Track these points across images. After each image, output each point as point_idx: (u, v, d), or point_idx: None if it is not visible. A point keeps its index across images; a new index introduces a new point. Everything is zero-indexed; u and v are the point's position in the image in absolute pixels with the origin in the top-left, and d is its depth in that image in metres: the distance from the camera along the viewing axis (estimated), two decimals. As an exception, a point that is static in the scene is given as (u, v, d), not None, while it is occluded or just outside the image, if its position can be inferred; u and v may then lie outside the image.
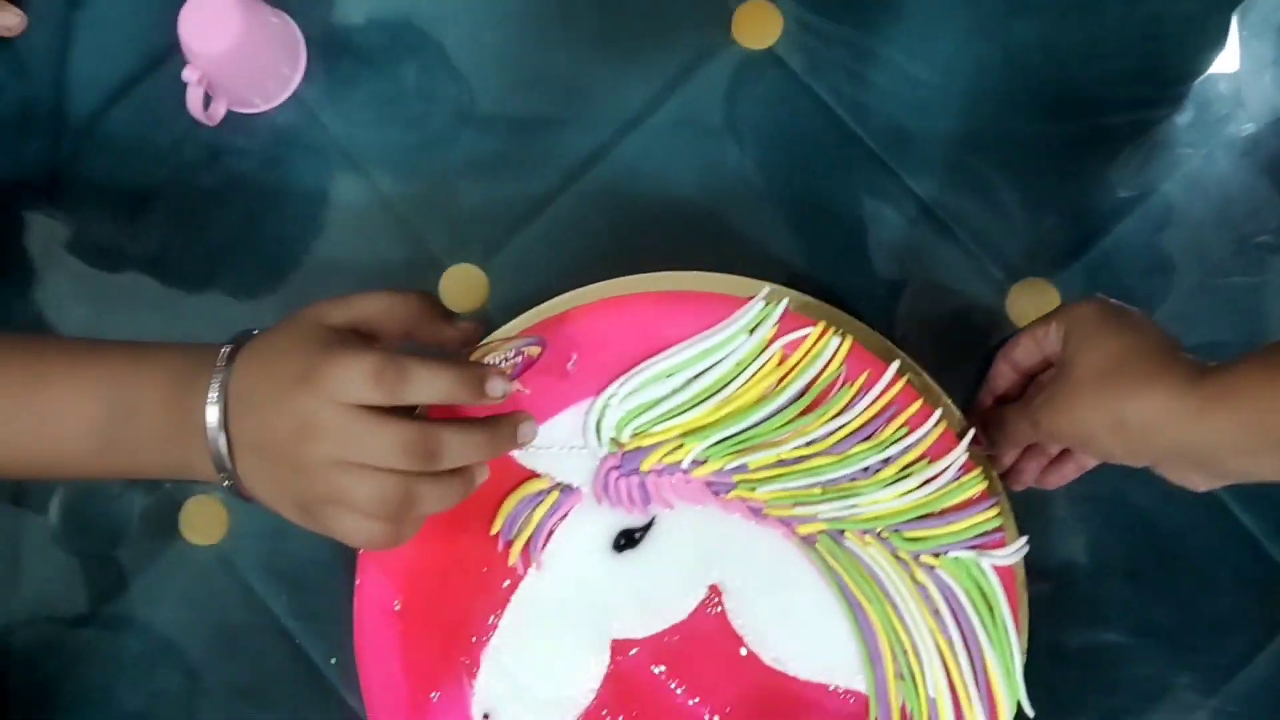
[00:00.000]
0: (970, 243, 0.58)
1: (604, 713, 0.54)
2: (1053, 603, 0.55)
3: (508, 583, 0.54)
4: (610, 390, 0.54)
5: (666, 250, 0.55)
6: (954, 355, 0.56)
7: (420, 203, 0.59)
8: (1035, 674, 0.53)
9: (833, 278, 0.57)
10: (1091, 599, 0.56)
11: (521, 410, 0.47)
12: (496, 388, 0.44)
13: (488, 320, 0.57)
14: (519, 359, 0.49)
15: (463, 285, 0.59)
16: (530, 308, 0.53)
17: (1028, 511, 0.54)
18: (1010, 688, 0.51)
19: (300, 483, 0.43)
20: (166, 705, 0.58)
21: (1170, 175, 0.57)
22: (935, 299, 0.57)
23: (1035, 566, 0.54)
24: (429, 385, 0.42)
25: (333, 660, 0.57)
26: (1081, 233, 0.57)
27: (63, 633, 0.58)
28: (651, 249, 0.55)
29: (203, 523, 0.59)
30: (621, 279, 0.54)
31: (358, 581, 0.54)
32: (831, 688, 0.53)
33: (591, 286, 0.54)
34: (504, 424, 0.45)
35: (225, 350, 0.44)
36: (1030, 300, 0.57)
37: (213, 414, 0.43)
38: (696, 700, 0.54)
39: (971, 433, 0.52)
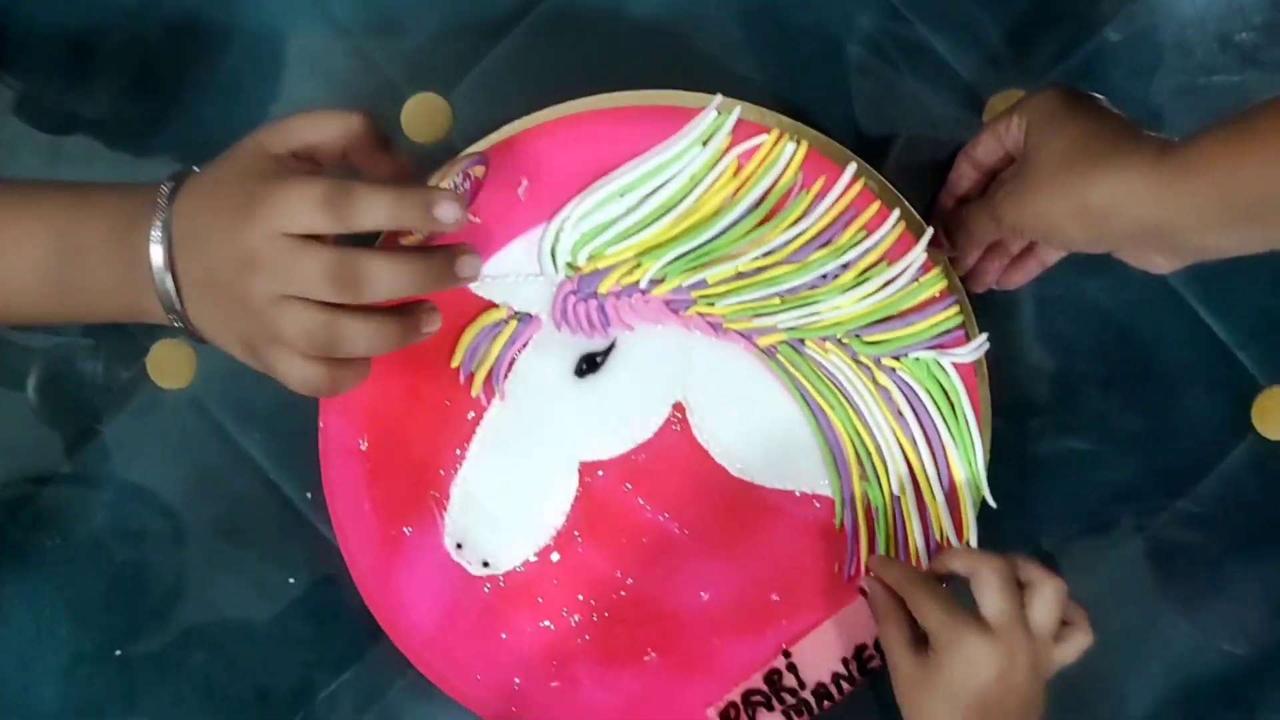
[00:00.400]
0: (946, 55, 0.56)
1: (575, 534, 0.54)
2: (1025, 413, 0.56)
3: (472, 414, 0.54)
4: (563, 214, 0.53)
5: (634, 75, 0.53)
6: (929, 170, 0.55)
7: (377, 30, 0.56)
8: (1005, 482, 0.54)
9: (804, 95, 0.56)
10: (1064, 408, 0.57)
11: (463, 243, 0.45)
12: (447, 211, 0.42)
13: (452, 150, 0.55)
14: (467, 184, 0.47)
15: (425, 115, 0.56)
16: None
17: (1000, 322, 0.55)
18: (973, 480, 0.53)
19: (245, 320, 0.41)
20: (149, 548, 0.57)
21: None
22: (908, 113, 0.56)
23: (1007, 377, 0.55)
24: (375, 208, 0.40)
25: (308, 495, 0.56)
26: (1063, 38, 0.56)
27: (39, 490, 0.57)
28: (618, 73, 0.54)
29: (171, 367, 0.57)
30: (570, 102, 0.53)
31: (320, 423, 0.54)
32: (798, 493, 0.54)
33: (540, 112, 0.53)
34: (439, 254, 0.43)
35: (166, 188, 0.42)
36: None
37: (157, 254, 0.41)
38: (666, 516, 0.55)
39: (930, 231, 0.52)
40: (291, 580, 0.56)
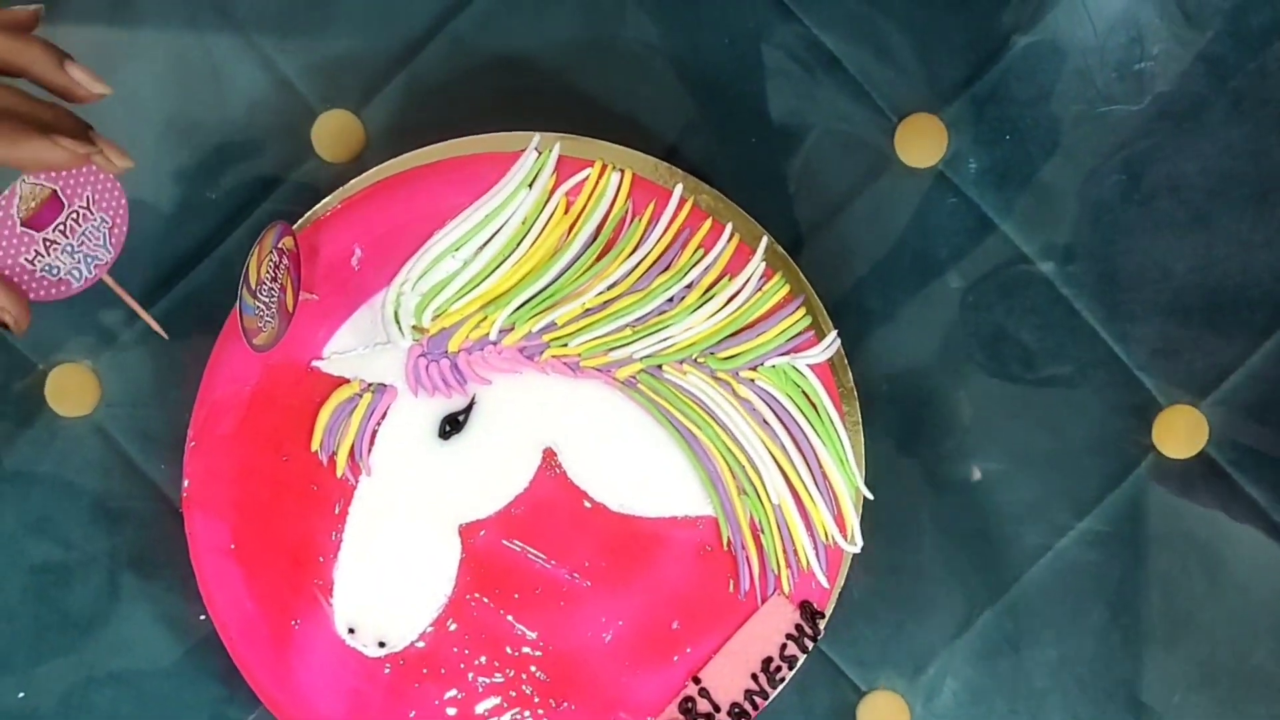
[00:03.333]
0: (859, 78, 0.57)
1: (468, 597, 0.54)
2: (932, 436, 0.57)
3: (341, 496, 0.53)
4: (400, 277, 0.52)
5: (541, 98, 0.54)
6: (840, 194, 0.56)
7: (287, 45, 0.56)
8: (914, 505, 0.56)
9: (721, 119, 0.56)
10: (973, 430, 0.57)
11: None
12: (80, 73, 0.38)
13: (364, 167, 0.54)
14: (285, 260, 0.47)
15: (337, 133, 0.56)
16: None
17: (902, 347, 0.56)
18: (846, 477, 0.53)
19: None
20: (51, 582, 0.56)
21: (1055, 4, 0.57)
22: (822, 141, 0.57)
23: (912, 399, 0.56)
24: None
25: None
26: (968, 66, 0.57)
27: None
28: (526, 99, 0.54)
29: (72, 393, 0.56)
30: (387, 163, 0.52)
31: (187, 529, 0.52)
32: (681, 518, 0.54)
33: (359, 177, 0.52)
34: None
35: None
36: (917, 135, 0.56)
37: None
38: (554, 563, 0.54)
39: (766, 239, 0.52)
40: (202, 617, 0.55)
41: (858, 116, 0.57)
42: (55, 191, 0.40)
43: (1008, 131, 0.57)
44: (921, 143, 0.56)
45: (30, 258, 0.40)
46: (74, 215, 0.41)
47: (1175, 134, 0.57)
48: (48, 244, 0.40)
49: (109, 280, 0.44)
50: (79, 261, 0.42)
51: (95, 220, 0.41)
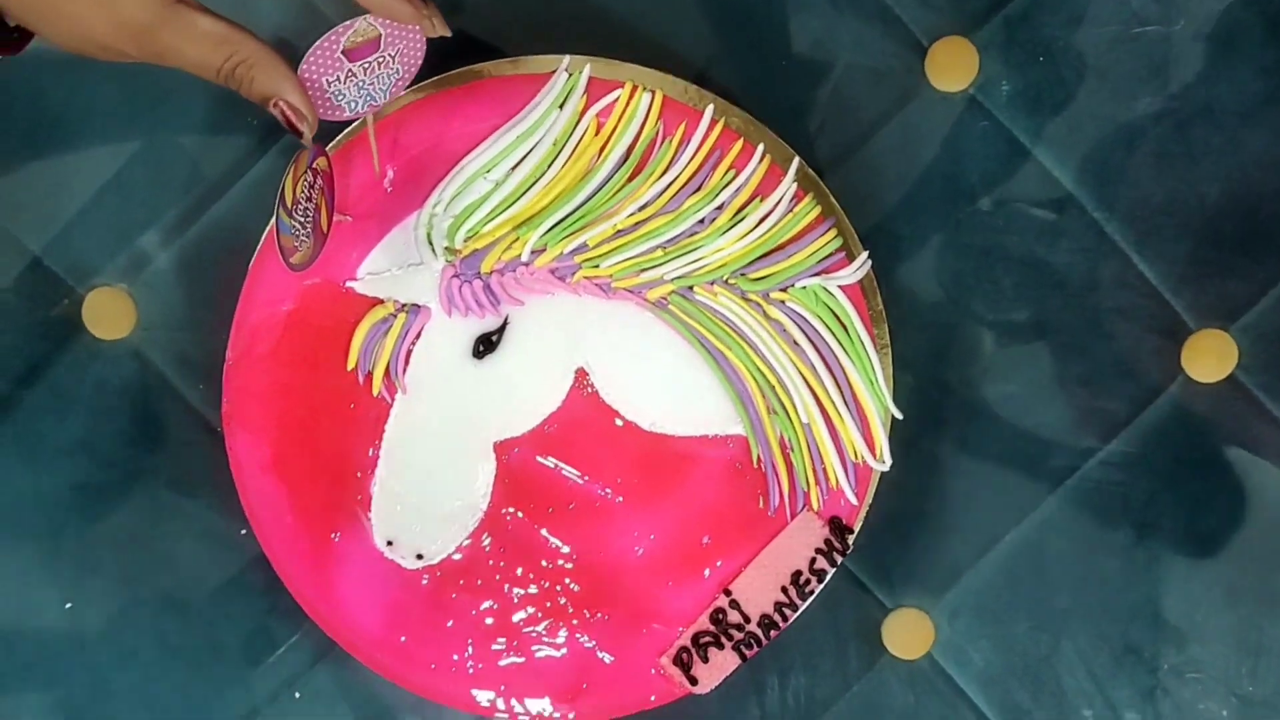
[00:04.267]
0: (889, 1, 0.56)
1: (503, 512, 0.55)
2: (959, 359, 0.57)
3: (377, 414, 0.54)
4: (433, 199, 0.52)
5: (577, 26, 0.54)
6: (871, 120, 0.56)
7: None
8: (942, 427, 0.56)
9: (750, 45, 0.56)
10: (998, 354, 0.57)
11: None
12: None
13: None
14: (319, 180, 0.47)
15: None
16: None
17: (932, 271, 0.56)
18: (876, 397, 0.54)
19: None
20: (94, 501, 0.57)
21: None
22: (852, 68, 0.56)
23: (940, 325, 0.56)
24: None
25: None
26: None
27: None
28: (562, 23, 0.55)
29: (108, 317, 0.57)
30: (422, 84, 0.52)
31: (228, 447, 0.54)
32: (711, 436, 0.55)
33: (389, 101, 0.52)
34: None
35: None
36: (948, 58, 0.56)
37: None
38: (588, 479, 0.55)
39: (797, 161, 0.52)
40: (243, 532, 0.56)
41: (888, 41, 0.56)
42: (381, 36, 0.46)
43: (1040, 54, 0.56)
44: (953, 66, 0.56)
45: (331, 79, 0.46)
46: (380, 59, 0.47)
47: (1210, 56, 0.56)
48: (349, 74, 0.46)
49: (370, 118, 0.50)
50: (359, 96, 0.47)
51: (392, 69, 0.47)
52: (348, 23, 0.46)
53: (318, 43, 0.46)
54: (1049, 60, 0.56)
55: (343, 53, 0.46)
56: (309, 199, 0.49)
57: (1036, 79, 0.56)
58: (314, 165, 0.48)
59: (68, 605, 0.57)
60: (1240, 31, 0.56)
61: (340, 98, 0.47)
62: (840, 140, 0.57)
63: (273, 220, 0.48)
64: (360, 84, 0.47)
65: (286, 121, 0.45)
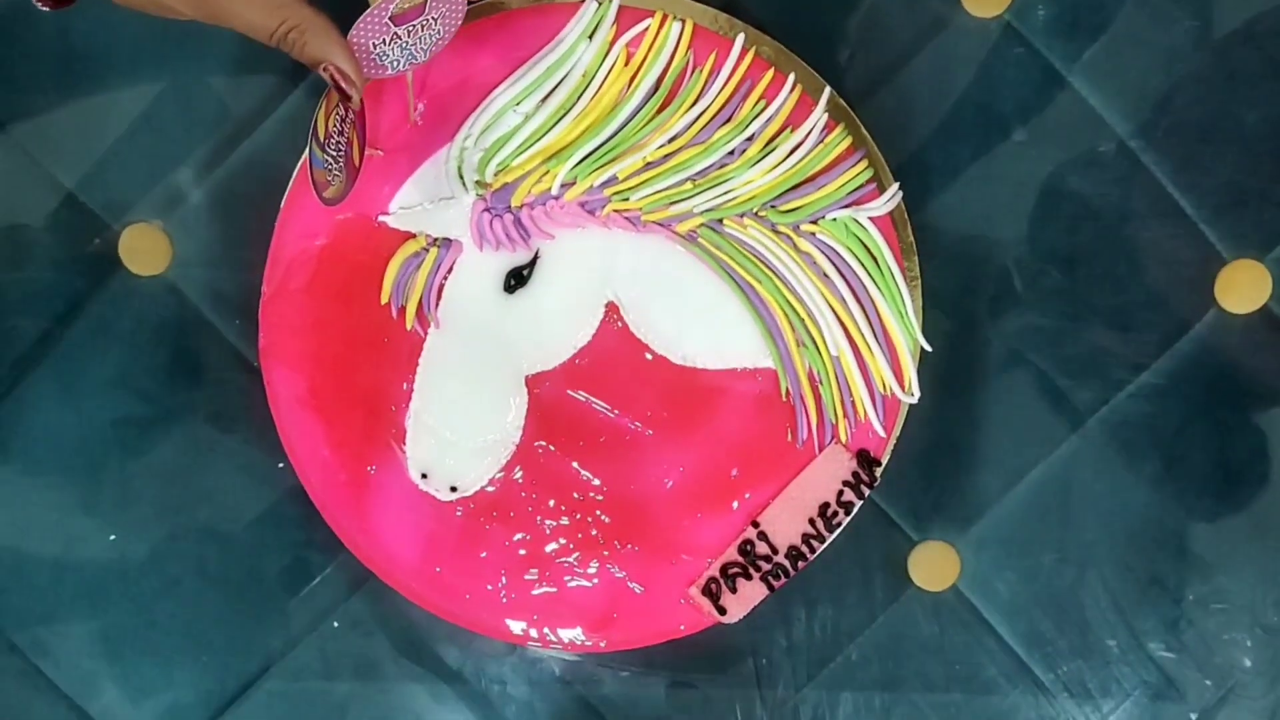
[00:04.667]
0: None
1: (535, 445, 0.56)
2: (991, 290, 0.57)
3: (411, 348, 0.55)
4: (463, 132, 0.52)
5: None
6: (904, 47, 0.55)
7: None
8: (971, 360, 0.56)
9: None
10: (1029, 285, 0.57)
11: None
12: None
13: None
14: (351, 115, 0.48)
15: None
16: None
17: (968, 203, 0.56)
18: (905, 329, 0.54)
19: None
20: (133, 434, 0.59)
21: None
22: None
23: (973, 256, 0.56)
24: None
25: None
26: None
27: (19, 378, 0.58)
28: None
29: (144, 253, 0.58)
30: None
31: (265, 381, 0.54)
32: (740, 369, 0.55)
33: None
34: None
35: None
36: None
37: None
38: (618, 412, 0.56)
39: (828, 90, 0.52)
40: (280, 465, 0.57)
41: (924, -37, 0.55)
42: (426, 1, 0.48)
43: (1072, -22, 0.55)
44: (988, -12, 0.55)
45: (377, 43, 0.48)
46: (424, 22, 0.48)
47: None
48: (394, 37, 0.48)
49: (409, 75, 0.51)
50: (402, 56, 0.49)
51: (434, 30, 0.49)
52: None
53: (368, 10, 0.47)
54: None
55: (390, 18, 0.48)
56: (341, 133, 0.49)
57: (1073, 3, 0.55)
58: (341, 102, 0.48)
59: (111, 538, 0.59)
60: (1282, -46, 0.55)
61: (385, 58, 0.49)
62: (872, 69, 0.56)
63: (305, 154, 0.48)
64: (404, 45, 0.48)
65: (335, 85, 0.46)
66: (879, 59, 0.56)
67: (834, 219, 0.53)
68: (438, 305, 0.54)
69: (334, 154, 0.49)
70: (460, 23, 0.49)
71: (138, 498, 0.59)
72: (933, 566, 0.58)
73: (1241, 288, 0.57)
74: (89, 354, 0.58)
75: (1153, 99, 0.56)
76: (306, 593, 0.59)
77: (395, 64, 0.49)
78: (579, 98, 0.52)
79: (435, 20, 0.48)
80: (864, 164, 0.53)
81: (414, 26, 0.48)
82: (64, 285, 0.58)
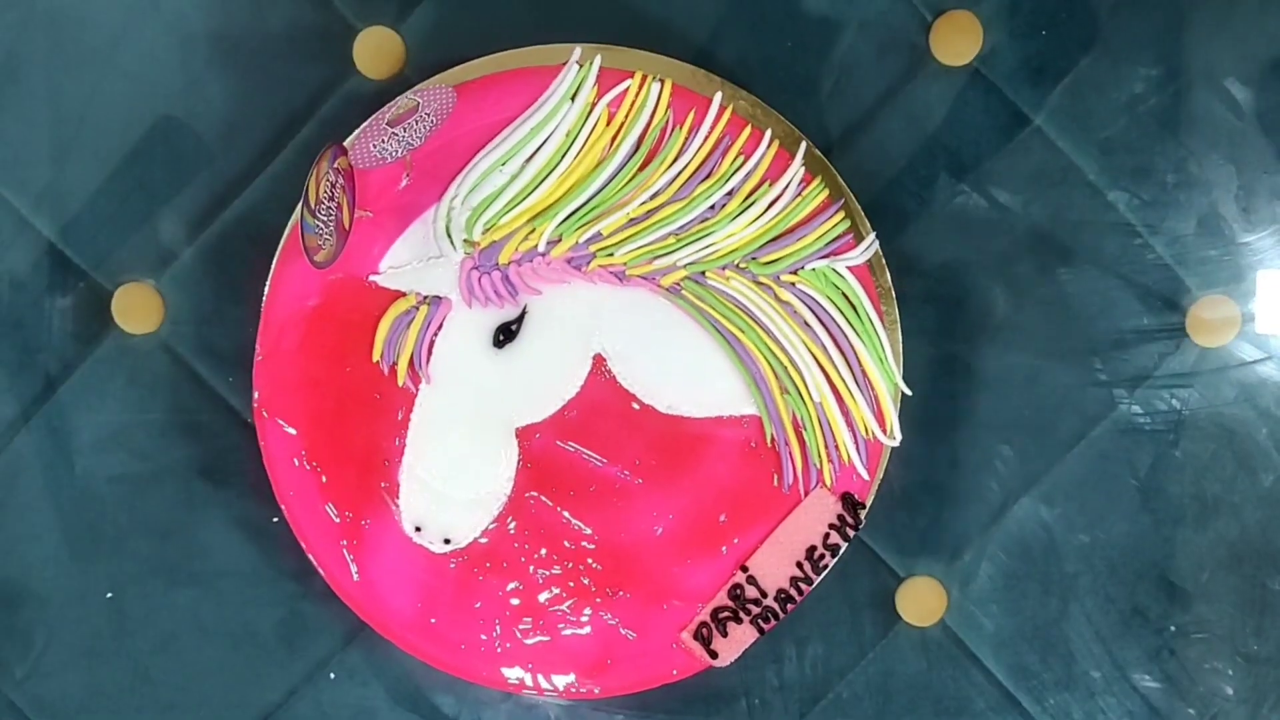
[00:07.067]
0: None
1: (526, 496, 0.57)
2: (965, 331, 0.58)
3: (403, 404, 0.56)
4: (450, 193, 0.54)
5: (580, 6, 0.56)
6: (876, 93, 0.57)
7: None
8: (950, 399, 0.57)
9: (754, 20, 0.57)
10: (1005, 323, 0.58)
11: None
12: None
13: (406, 85, 0.56)
14: (341, 179, 0.49)
15: (377, 50, 0.57)
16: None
17: (944, 247, 0.57)
18: (885, 374, 0.55)
19: None
20: (129, 491, 0.59)
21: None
22: (857, 44, 0.57)
23: (954, 297, 0.58)
24: None
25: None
26: None
27: (11, 439, 0.59)
28: (565, 3, 0.56)
29: (137, 311, 0.58)
30: (433, 79, 0.53)
31: (260, 439, 0.55)
32: (726, 417, 0.56)
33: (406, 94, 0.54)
34: None
35: None
36: (953, 31, 0.56)
37: None
38: (607, 461, 0.57)
39: (805, 144, 0.53)
40: (275, 520, 0.57)
41: (893, 14, 0.57)
42: (419, 104, 0.52)
43: (1044, 26, 0.57)
44: (957, 39, 0.56)
45: (376, 144, 0.52)
46: (418, 118, 0.52)
47: (1213, 25, 0.57)
48: (390, 134, 0.52)
49: (408, 158, 0.54)
50: (399, 147, 0.52)
51: (428, 122, 0.53)
52: (391, 103, 0.53)
53: (365, 124, 0.52)
54: (1053, 31, 0.57)
55: (386, 123, 0.52)
56: (331, 198, 0.50)
57: (1039, 50, 0.57)
58: (335, 165, 0.49)
59: (109, 595, 0.59)
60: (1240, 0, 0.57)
61: (384, 152, 0.52)
62: (845, 116, 0.57)
63: (295, 217, 0.49)
64: (401, 139, 0.52)
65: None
66: (852, 105, 0.57)
67: (813, 269, 0.54)
68: (429, 361, 0.55)
69: (324, 219, 0.50)
70: (452, 109, 0.52)
71: (134, 554, 0.59)
72: (920, 602, 0.59)
73: (1213, 322, 0.58)
74: (83, 411, 0.59)
75: (1118, 141, 0.57)
76: (303, 645, 0.59)
77: (393, 154, 0.52)
78: (563, 157, 0.53)
79: (428, 115, 0.52)
80: (841, 215, 0.54)
81: (410, 124, 0.51)
82: (58, 346, 0.59)
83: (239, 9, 0.57)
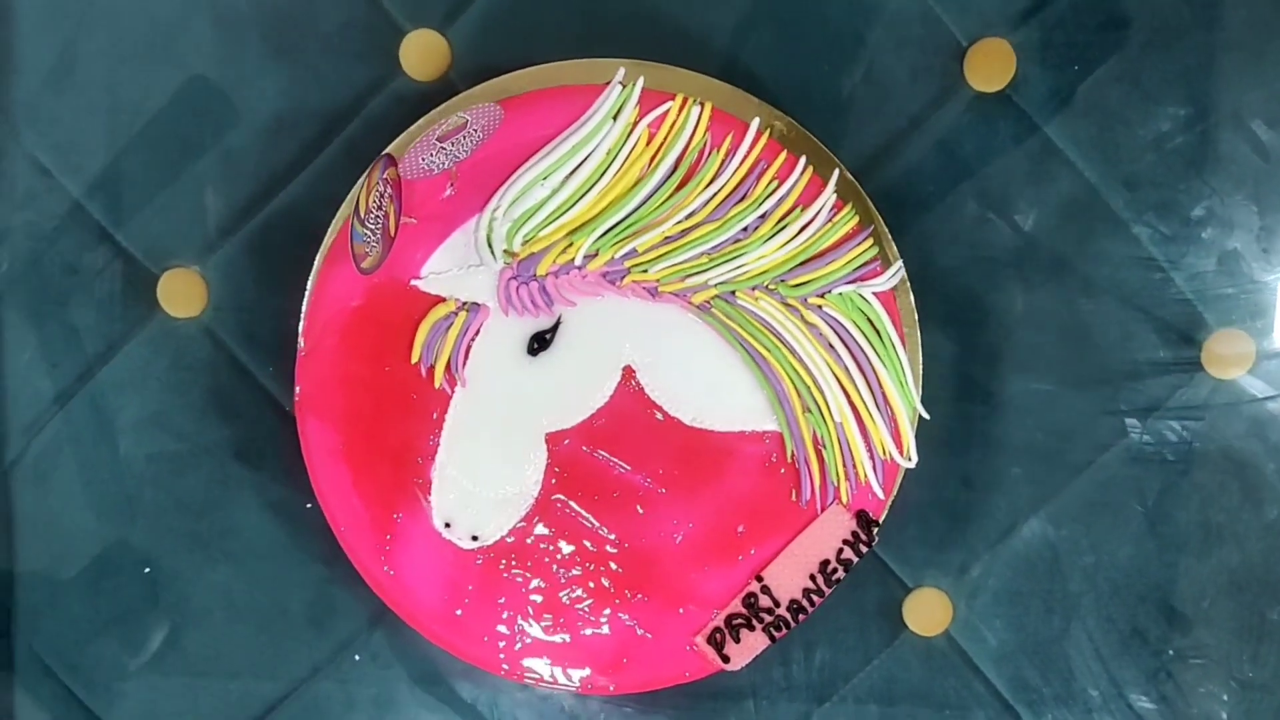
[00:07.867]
0: (930, 0, 0.57)
1: (553, 498, 0.59)
2: (984, 355, 0.59)
3: (438, 405, 0.57)
4: (492, 204, 0.55)
5: (616, 19, 0.57)
6: (907, 118, 0.58)
7: None
8: (965, 420, 0.59)
9: (791, 42, 0.58)
10: (1024, 350, 0.59)
11: None
12: None
13: (451, 90, 0.57)
14: (389, 190, 0.51)
15: (423, 52, 0.58)
16: (497, 75, 0.55)
17: (967, 277, 0.58)
18: (905, 398, 0.56)
19: None
20: (167, 470, 0.61)
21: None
22: (891, 68, 0.58)
23: (975, 323, 0.59)
24: None
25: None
26: None
27: (58, 411, 0.61)
28: (612, 15, 0.57)
29: (182, 296, 0.60)
30: (478, 88, 0.55)
31: (300, 432, 0.57)
32: (749, 432, 0.58)
33: (448, 103, 0.55)
34: None
35: None
36: (986, 59, 0.57)
37: None
38: (632, 470, 0.59)
39: (838, 171, 0.55)
40: (309, 505, 0.59)
41: (928, 40, 0.58)
42: (467, 121, 0.54)
43: (1076, 61, 0.58)
44: (990, 67, 0.57)
45: (426, 159, 0.54)
46: (465, 134, 0.54)
47: (1243, 68, 0.58)
48: (439, 148, 0.54)
49: (454, 170, 0.55)
50: (446, 159, 0.54)
51: (475, 136, 0.54)
52: (441, 121, 0.54)
53: (418, 141, 0.54)
54: (1084, 65, 0.58)
55: (436, 139, 0.54)
56: (379, 208, 0.52)
57: (1071, 81, 0.58)
58: (385, 176, 0.51)
59: (146, 570, 0.62)
60: (1273, 39, 0.57)
61: (431, 165, 0.54)
62: (877, 138, 0.58)
63: (340, 217, 0.51)
64: (448, 152, 0.53)
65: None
66: (884, 128, 0.58)
67: (840, 293, 0.56)
68: (465, 365, 0.57)
69: (372, 227, 0.52)
70: (499, 124, 0.53)
71: (169, 530, 0.61)
72: (926, 612, 0.61)
73: (1227, 356, 0.59)
74: (126, 392, 0.61)
75: (1145, 175, 0.58)
76: (329, 626, 0.62)
77: (440, 166, 0.54)
78: (603, 174, 0.55)
79: (476, 130, 0.53)
80: (869, 242, 0.55)
81: (457, 139, 0.53)
82: (104, 327, 0.61)
83: (291, 6, 0.58)
